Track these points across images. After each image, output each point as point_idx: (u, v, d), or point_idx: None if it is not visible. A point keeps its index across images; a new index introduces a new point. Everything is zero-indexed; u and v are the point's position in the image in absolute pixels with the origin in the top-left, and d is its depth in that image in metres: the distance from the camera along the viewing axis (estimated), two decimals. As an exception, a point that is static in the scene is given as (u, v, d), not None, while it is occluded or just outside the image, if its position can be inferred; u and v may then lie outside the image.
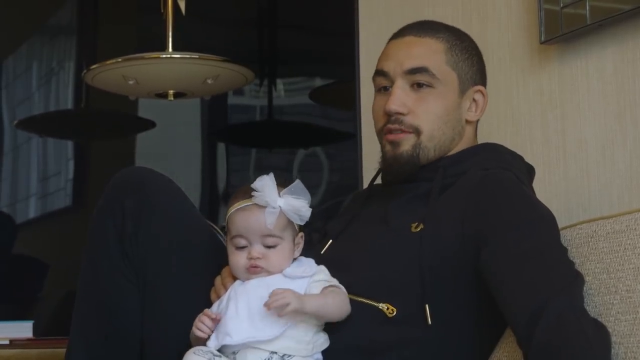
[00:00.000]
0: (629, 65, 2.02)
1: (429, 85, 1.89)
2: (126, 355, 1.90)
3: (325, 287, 1.74)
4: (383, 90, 1.93)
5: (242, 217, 1.75)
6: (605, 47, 2.07)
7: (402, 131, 1.88)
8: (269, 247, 1.75)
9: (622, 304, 1.61)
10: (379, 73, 1.93)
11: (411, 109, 1.89)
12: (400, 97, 1.89)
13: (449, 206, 1.80)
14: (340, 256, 1.85)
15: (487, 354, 1.77)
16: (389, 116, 1.89)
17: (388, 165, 1.92)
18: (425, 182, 1.88)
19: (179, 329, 1.84)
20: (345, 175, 3.89)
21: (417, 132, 1.88)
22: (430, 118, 1.88)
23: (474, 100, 1.94)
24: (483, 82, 1.97)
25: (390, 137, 1.90)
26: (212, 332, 1.73)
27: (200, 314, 1.76)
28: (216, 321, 1.73)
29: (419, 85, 1.89)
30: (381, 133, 1.93)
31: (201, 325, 1.74)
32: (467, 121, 1.93)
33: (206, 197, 4.21)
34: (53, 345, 2.85)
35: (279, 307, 1.66)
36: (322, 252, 1.90)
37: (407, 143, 1.89)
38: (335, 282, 1.76)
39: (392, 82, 1.90)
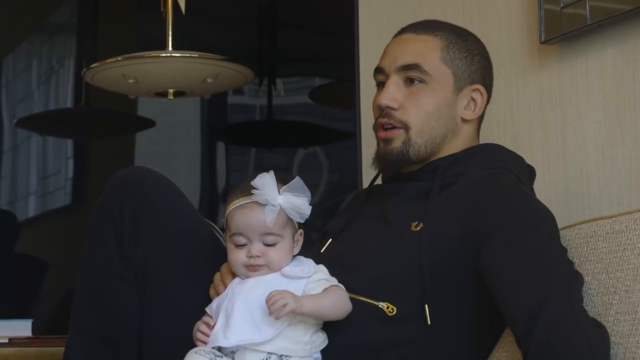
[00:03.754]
0: (629, 65, 2.02)
1: (421, 81, 1.90)
2: (125, 355, 1.91)
3: (327, 287, 1.73)
4: (381, 86, 1.96)
5: (241, 214, 1.75)
6: (605, 47, 2.07)
7: (393, 126, 1.90)
8: (268, 245, 1.75)
9: (621, 304, 1.61)
10: (377, 70, 1.96)
11: (402, 104, 1.90)
12: (392, 92, 1.91)
13: (448, 205, 1.80)
14: (340, 255, 1.85)
15: (487, 353, 1.77)
16: (381, 110, 1.91)
17: (379, 160, 1.94)
18: (425, 182, 1.88)
19: (179, 328, 1.84)
20: (344, 175, 3.88)
21: (406, 127, 1.90)
22: (420, 114, 1.90)
23: (472, 99, 1.94)
24: (484, 82, 1.96)
25: (383, 134, 1.92)
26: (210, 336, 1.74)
27: (199, 321, 1.77)
28: (212, 326, 1.74)
29: (412, 80, 1.91)
30: (375, 127, 1.95)
31: (200, 334, 1.74)
32: (463, 120, 1.94)
33: (206, 197, 4.21)
34: (52, 344, 2.85)
35: (277, 309, 1.66)
36: (322, 251, 1.90)
37: (397, 140, 1.91)
38: (334, 281, 1.76)
39: (388, 78, 1.92)
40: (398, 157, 1.91)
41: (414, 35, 1.95)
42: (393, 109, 1.90)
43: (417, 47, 1.92)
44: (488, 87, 1.98)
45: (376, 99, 1.94)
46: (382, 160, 1.93)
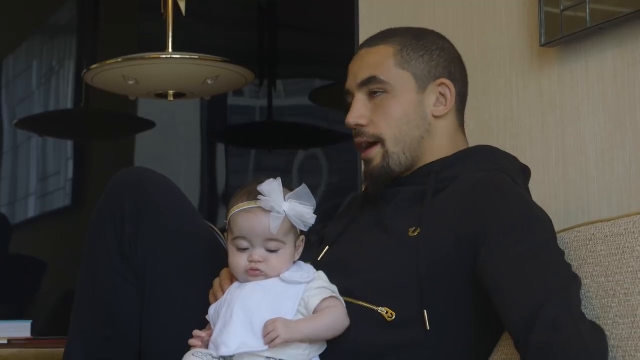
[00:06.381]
0: (629, 68, 2.02)
1: (383, 91, 1.90)
2: (125, 356, 1.91)
3: (325, 299, 1.73)
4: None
5: (245, 219, 1.75)
6: (605, 50, 2.07)
7: (369, 143, 1.91)
8: (271, 251, 1.75)
9: (620, 307, 1.61)
10: (345, 92, 1.97)
11: (371, 119, 1.91)
12: (358, 110, 1.91)
13: (445, 209, 1.80)
14: (339, 260, 1.85)
15: (486, 356, 1.77)
16: (353, 129, 1.92)
17: (366, 179, 1.95)
18: (421, 186, 1.88)
19: (178, 329, 1.84)
20: (344, 177, 3.88)
21: (381, 140, 1.90)
22: (390, 123, 1.90)
23: (441, 94, 1.93)
24: (450, 74, 1.94)
25: (363, 154, 1.94)
26: (208, 339, 1.74)
27: (192, 337, 1.77)
28: (208, 336, 1.74)
29: (375, 92, 1.91)
30: (356, 148, 1.95)
31: (193, 340, 1.76)
32: (435, 117, 1.92)
33: (206, 198, 4.21)
34: (51, 345, 2.84)
35: (269, 341, 1.67)
36: (320, 256, 1.90)
37: (377, 157, 1.91)
38: (334, 289, 1.76)
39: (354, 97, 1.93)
40: (381, 173, 1.91)
41: (368, 49, 1.96)
42: (362, 125, 1.91)
43: (372, 59, 1.93)
44: (456, 79, 1.95)
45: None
46: (370, 181, 1.94)
